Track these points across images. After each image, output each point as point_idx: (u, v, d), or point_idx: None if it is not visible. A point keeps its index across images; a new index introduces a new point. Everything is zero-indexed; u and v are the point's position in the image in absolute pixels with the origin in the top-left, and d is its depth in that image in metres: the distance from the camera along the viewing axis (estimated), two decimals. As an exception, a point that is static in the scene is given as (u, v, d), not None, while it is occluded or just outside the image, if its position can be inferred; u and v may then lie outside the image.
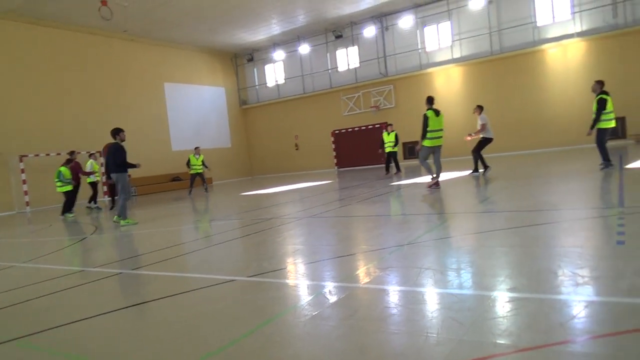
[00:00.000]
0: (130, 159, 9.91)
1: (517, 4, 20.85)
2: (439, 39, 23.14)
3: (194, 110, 26.68)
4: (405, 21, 23.33)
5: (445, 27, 22.81)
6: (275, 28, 24.70)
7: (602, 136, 10.63)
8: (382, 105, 24.69)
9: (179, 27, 22.76)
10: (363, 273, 4.29)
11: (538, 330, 2.61)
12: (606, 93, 10.63)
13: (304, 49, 26.50)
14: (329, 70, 26.39)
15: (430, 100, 10.59)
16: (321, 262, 4.85)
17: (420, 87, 23.39)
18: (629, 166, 10.81)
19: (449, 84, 22.94)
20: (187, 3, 19.77)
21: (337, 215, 8.33)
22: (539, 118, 20.57)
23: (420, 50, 23.46)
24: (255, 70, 29.37)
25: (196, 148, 18.04)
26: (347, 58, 26.11)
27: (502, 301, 3.15)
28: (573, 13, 19.71)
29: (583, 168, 11.68)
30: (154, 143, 24.12)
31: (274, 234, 7.02)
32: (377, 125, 24.92)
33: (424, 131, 10.34)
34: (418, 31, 23.44)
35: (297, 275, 4.51)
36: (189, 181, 18.40)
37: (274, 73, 28.88)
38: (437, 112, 10.41)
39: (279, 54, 27.58)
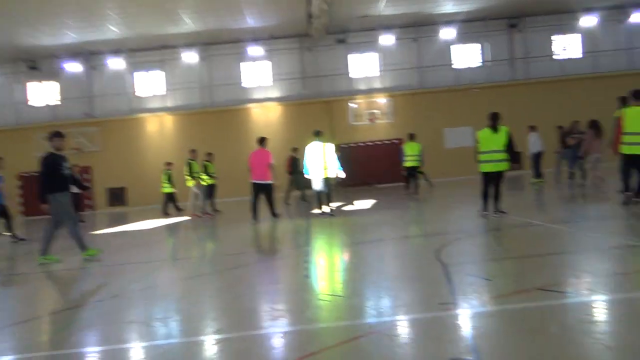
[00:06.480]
0: None
1: (227, 64, 22.65)
2: (152, 86, 22.97)
3: None
4: (115, 63, 22.32)
5: (159, 75, 22.86)
6: None
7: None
8: (84, 148, 22.48)
9: None
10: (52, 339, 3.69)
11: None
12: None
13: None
14: (17, 105, 22.71)
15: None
16: (-4, 331, 3.94)
17: (130, 131, 22.50)
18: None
19: (161, 131, 22.85)
20: None
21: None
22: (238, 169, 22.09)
23: (130, 95, 22.72)
24: None
25: None
26: (44, 93, 23.04)
27: (209, 344, 3.19)
28: (273, 81, 22.71)
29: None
30: None
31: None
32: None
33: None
34: (127, 75, 22.72)
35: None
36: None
37: None
38: None
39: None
